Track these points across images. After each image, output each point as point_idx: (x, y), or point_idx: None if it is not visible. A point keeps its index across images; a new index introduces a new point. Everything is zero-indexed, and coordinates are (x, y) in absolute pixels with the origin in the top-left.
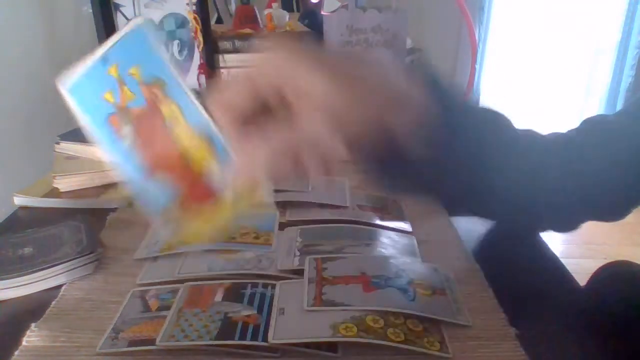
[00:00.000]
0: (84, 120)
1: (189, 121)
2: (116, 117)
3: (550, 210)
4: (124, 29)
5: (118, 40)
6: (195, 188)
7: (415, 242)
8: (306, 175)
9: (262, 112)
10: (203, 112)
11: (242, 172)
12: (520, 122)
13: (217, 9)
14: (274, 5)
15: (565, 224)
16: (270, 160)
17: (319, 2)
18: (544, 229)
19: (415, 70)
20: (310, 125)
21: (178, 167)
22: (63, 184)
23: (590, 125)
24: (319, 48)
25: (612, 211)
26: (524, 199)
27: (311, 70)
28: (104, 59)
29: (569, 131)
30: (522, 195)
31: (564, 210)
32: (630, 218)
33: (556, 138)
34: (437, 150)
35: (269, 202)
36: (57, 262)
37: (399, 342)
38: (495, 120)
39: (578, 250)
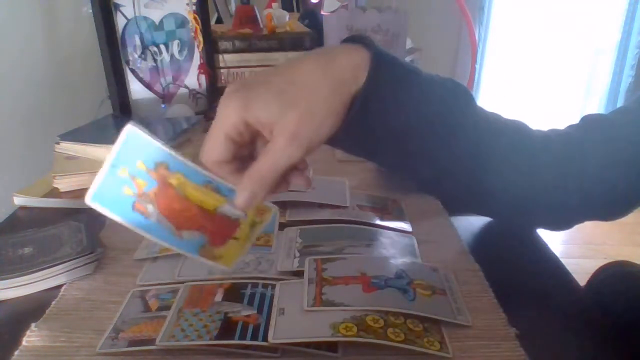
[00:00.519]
0: (116, 217)
1: (194, 181)
2: (139, 203)
3: (549, 208)
4: (120, 137)
5: (119, 149)
6: (218, 227)
7: (415, 242)
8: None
9: (248, 141)
10: (202, 170)
11: (247, 203)
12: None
13: (217, 9)
14: (274, 5)
15: (563, 222)
16: (266, 186)
17: (319, 2)
18: (541, 227)
19: (357, 42)
20: (283, 152)
21: (199, 217)
22: (63, 184)
23: (589, 122)
24: (263, 74)
25: (611, 210)
26: (521, 196)
27: (264, 101)
28: (113, 167)
29: (567, 127)
30: (519, 192)
31: (562, 208)
32: (630, 218)
33: (555, 135)
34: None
35: (274, 210)
36: (57, 262)
37: (399, 342)
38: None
39: (578, 250)
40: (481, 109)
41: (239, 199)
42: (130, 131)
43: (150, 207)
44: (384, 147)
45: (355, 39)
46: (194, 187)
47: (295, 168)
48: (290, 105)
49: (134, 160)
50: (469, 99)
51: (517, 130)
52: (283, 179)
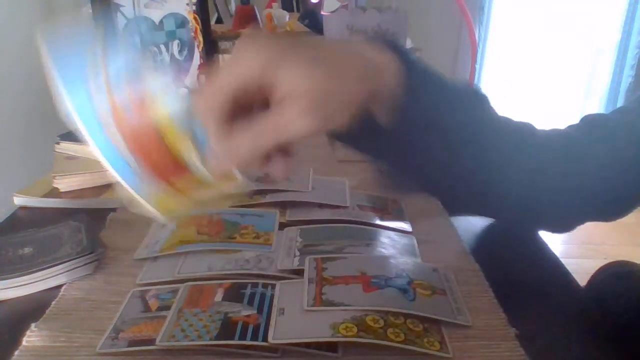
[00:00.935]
0: (82, 126)
1: (171, 111)
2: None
3: (550, 208)
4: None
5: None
6: (167, 163)
7: (415, 242)
8: (267, 169)
9: (246, 105)
10: (187, 106)
11: (223, 163)
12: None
13: (217, 9)
14: (274, 5)
15: (565, 224)
16: (254, 152)
17: (319, 2)
18: (542, 228)
19: (383, 43)
20: (293, 120)
21: (153, 141)
22: (63, 184)
23: (589, 122)
24: (293, 38)
25: (612, 210)
26: (523, 196)
27: (294, 62)
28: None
29: (568, 127)
30: (521, 192)
31: (563, 209)
32: (630, 218)
33: (556, 135)
34: (413, 119)
35: (242, 192)
36: (57, 262)
37: (399, 342)
38: (474, 97)
39: (578, 250)
40: (495, 113)
41: (218, 157)
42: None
43: (108, 116)
44: (393, 148)
45: (380, 40)
46: (164, 110)
47: (281, 148)
48: (319, 74)
49: (117, 67)
50: (487, 105)
51: (523, 131)
52: (271, 154)
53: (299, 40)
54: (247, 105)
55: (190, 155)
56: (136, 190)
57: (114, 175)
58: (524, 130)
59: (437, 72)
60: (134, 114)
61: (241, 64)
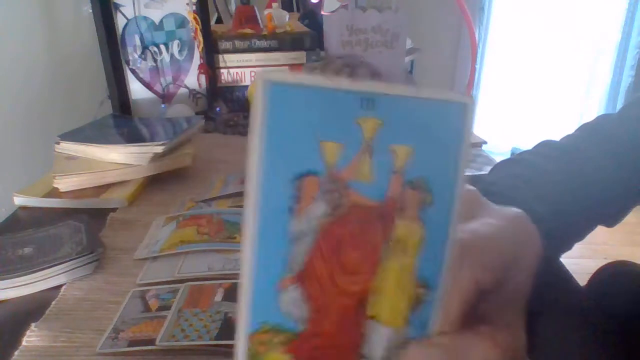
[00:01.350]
0: (258, 144)
1: (420, 264)
2: (316, 182)
3: (562, 221)
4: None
5: (409, 98)
6: (339, 335)
7: None
8: None
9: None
10: (447, 264)
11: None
12: (520, 121)
13: (217, 9)
14: (274, 5)
15: (578, 235)
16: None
17: (319, 2)
18: (560, 251)
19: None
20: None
21: (345, 304)
22: (63, 184)
23: (587, 131)
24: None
25: (615, 215)
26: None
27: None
28: (365, 100)
29: (565, 137)
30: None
31: (577, 220)
32: (630, 218)
33: (554, 144)
34: None
35: None
36: (57, 262)
37: None
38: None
39: (578, 250)
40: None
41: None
42: (467, 102)
43: (319, 210)
44: None
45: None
46: (407, 269)
47: None
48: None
49: (403, 133)
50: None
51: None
52: None
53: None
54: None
55: (388, 336)
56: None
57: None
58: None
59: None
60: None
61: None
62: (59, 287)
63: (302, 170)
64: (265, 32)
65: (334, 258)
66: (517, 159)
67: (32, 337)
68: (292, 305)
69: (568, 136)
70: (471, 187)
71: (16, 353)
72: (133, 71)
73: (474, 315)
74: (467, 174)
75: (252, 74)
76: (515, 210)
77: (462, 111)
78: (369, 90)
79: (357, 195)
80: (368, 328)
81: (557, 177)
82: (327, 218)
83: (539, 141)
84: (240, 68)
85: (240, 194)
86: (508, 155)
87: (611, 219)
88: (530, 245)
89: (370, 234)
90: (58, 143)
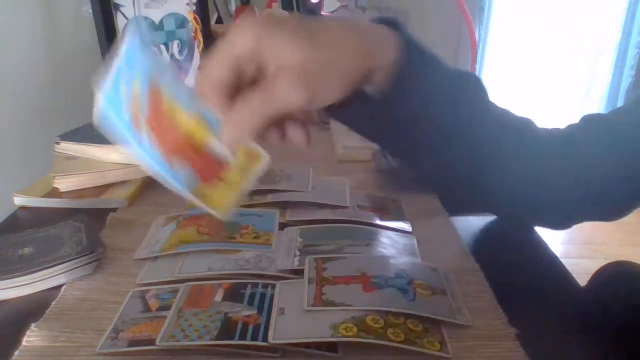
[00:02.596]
0: (121, 132)
1: (184, 107)
2: (135, 123)
3: (548, 204)
4: (122, 46)
5: (122, 61)
6: (205, 163)
7: (415, 242)
8: (287, 139)
9: (246, 81)
10: (193, 94)
11: (230, 139)
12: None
13: (217, 9)
14: (274, 5)
15: (562, 221)
16: (254, 124)
17: (319, 2)
18: (539, 224)
19: (385, 22)
20: (284, 92)
21: (187, 149)
22: (63, 184)
23: (589, 121)
24: (292, 15)
25: (611, 210)
26: (522, 192)
27: (285, 36)
28: (114, 84)
29: (568, 126)
30: (519, 187)
31: (561, 206)
32: (630, 218)
33: (555, 133)
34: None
35: (264, 158)
36: (57, 262)
37: (399, 342)
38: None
39: (578, 250)
40: (493, 105)
41: (224, 133)
42: (130, 42)
43: (143, 129)
44: (391, 130)
45: (382, 21)
46: (182, 113)
47: (293, 118)
48: (310, 46)
49: (131, 75)
50: (484, 94)
51: (523, 126)
52: (278, 127)
53: (294, 16)
54: (250, 83)
55: (215, 144)
56: (192, 193)
57: (166, 181)
58: (524, 125)
59: (439, 57)
60: (157, 116)
61: (236, 41)
62: (59, 287)
63: (129, 122)
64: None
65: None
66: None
67: (32, 337)
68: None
69: (570, 125)
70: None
71: (16, 353)
72: None
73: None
74: None
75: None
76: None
77: (134, 44)
78: (112, 77)
79: (145, 113)
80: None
81: (553, 154)
82: (145, 126)
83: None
84: None
85: None
86: None
87: (608, 213)
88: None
89: (161, 118)
90: (58, 143)
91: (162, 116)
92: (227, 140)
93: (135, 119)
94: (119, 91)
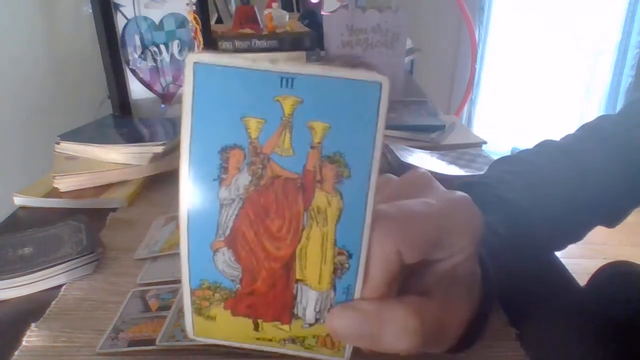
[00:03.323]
0: (188, 119)
1: (340, 233)
2: (240, 154)
3: (555, 221)
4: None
5: (327, 77)
6: (271, 295)
7: None
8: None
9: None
10: (366, 234)
11: (343, 328)
12: (520, 121)
13: (217, 9)
14: (274, 5)
15: (576, 234)
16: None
17: (319, 2)
18: (558, 243)
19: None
20: (392, 342)
21: (273, 267)
22: (63, 184)
23: (587, 132)
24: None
25: (614, 214)
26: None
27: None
28: (285, 79)
29: (565, 137)
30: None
31: (574, 219)
32: (630, 218)
33: (556, 144)
34: None
35: (345, 358)
36: (57, 262)
37: None
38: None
39: (578, 250)
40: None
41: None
42: (375, 81)
43: (241, 180)
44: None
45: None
46: (327, 237)
47: None
48: (437, 306)
49: (320, 110)
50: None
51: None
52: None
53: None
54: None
55: (312, 303)
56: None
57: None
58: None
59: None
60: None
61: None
62: (59, 287)
63: (227, 143)
64: (265, 32)
65: (260, 223)
66: (514, 157)
67: (32, 337)
68: (225, 265)
69: (568, 136)
70: (423, 170)
71: (16, 353)
72: (133, 71)
73: (409, 291)
74: (466, 173)
75: None
76: (459, 193)
77: (378, 90)
78: (289, 70)
79: (278, 168)
80: (298, 290)
81: (554, 175)
82: (251, 187)
83: (539, 141)
84: None
85: None
86: None
87: (611, 220)
88: (471, 229)
89: (292, 202)
90: (58, 143)
91: (297, 205)
92: (328, 325)
93: (252, 152)
94: (265, 93)
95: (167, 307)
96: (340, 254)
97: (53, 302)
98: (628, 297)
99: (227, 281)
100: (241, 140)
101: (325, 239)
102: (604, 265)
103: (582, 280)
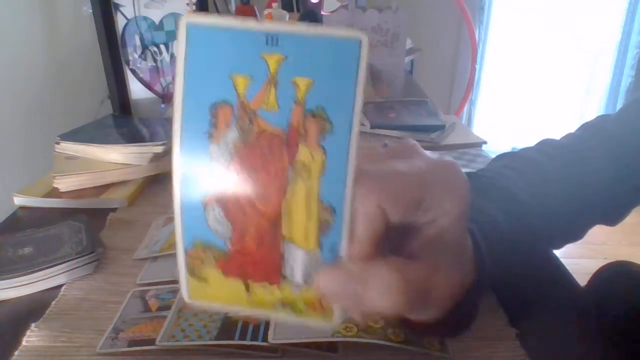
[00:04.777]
0: (180, 77)
1: (323, 188)
2: (229, 110)
3: (556, 222)
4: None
5: (310, 35)
6: (260, 254)
7: None
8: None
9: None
10: (349, 189)
11: (329, 288)
12: (520, 121)
13: (217, 9)
14: (274, 5)
15: (576, 233)
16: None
17: (319, 2)
18: (557, 241)
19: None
20: (376, 299)
21: (261, 224)
22: (63, 184)
23: (587, 131)
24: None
25: (615, 213)
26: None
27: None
28: (270, 36)
29: (565, 135)
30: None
31: (573, 218)
32: (630, 218)
33: (556, 143)
34: None
35: (336, 319)
36: (57, 262)
37: (399, 342)
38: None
39: (578, 250)
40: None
41: (334, 279)
42: (356, 38)
43: (231, 136)
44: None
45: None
46: (312, 191)
47: None
48: (425, 266)
49: (304, 67)
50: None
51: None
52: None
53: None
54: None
55: (299, 262)
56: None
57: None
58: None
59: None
60: (271, 154)
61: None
62: (59, 287)
63: (217, 100)
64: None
65: (247, 179)
66: (514, 153)
67: (32, 337)
68: (216, 223)
69: (568, 135)
70: (412, 141)
71: (16, 353)
72: (133, 71)
73: (395, 253)
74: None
75: None
76: (446, 157)
77: (358, 46)
78: (273, 29)
79: (264, 123)
80: (285, 249)
81: (554, 175)
82: (239, 143)
83: (539, 140)
84: None
85: None
86: None
87: (611, 219)
88: (456, 191)
89: (277, 157)
90: (58, 143)
91: (282, 159)
92: (327, 287)
93: (240, 107)
94: (252, 51)
95: (167, 307)
96: (324, 209)
97: (53, 302)
98: (628, 297)
99: (219, 240)
100: (230, 96)
101: (309, 194)
102: (603, 265)
103: (582, 280)
